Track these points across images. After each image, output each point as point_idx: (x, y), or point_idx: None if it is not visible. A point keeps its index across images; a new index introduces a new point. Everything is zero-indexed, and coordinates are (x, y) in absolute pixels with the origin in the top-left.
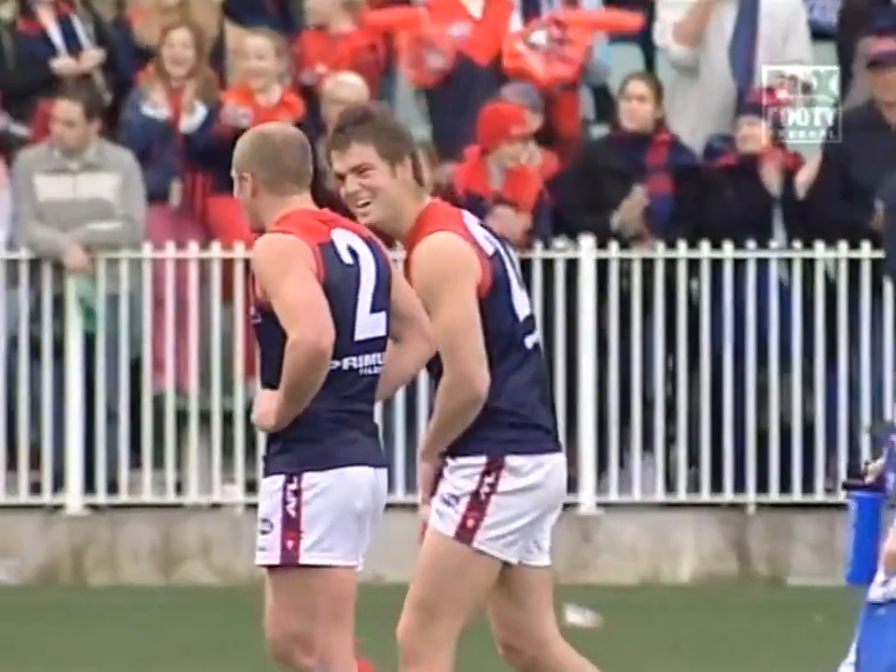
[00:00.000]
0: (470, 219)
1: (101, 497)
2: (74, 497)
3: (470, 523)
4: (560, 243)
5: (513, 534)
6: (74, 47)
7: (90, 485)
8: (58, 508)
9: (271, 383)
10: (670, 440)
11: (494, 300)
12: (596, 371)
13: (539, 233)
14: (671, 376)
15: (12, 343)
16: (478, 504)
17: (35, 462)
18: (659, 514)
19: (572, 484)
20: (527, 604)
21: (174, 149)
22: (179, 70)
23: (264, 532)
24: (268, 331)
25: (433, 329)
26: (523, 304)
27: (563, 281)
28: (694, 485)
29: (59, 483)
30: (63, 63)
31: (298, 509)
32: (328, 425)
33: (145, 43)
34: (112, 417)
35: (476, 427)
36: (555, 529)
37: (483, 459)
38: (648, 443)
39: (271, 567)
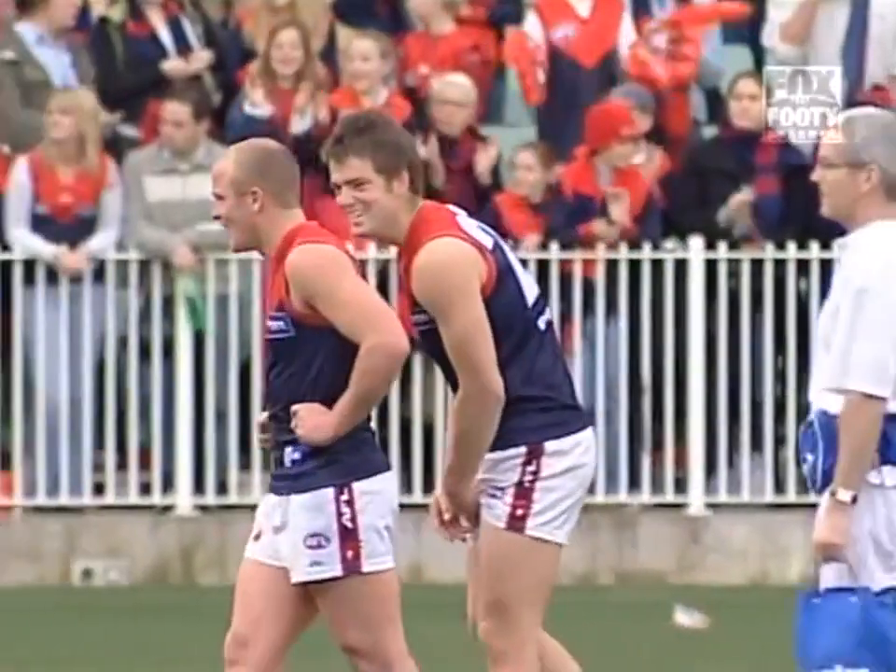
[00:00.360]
0: (463, 216)
1: (210, 498)
2: (183, 498)
3: (519, 512)
4: (669, 243)
5: (563, 515)
6: (183, 48)
7: (199, 486)
8: (167, 509)
9: (299, 398)
10: (779, 440)
11: (502, 291)
12: (705, 371)
13: (648, 234)
14: (780, 376)
15: (122, 344)
16: (524, 493)
17: (145, 463)
18: (768, 515)
19: (681, 485)
20: None
21: None
22: (287, 70)
23: (318, 546)
24: (302, 345)
25: (445, 337)
26: (530, 287)
27: (672, 282)
28: (804, 486)
29: (168, 483)
30: (172, 65)
31: (353, 519)
32: (361, 434)
33: (253, 44)
34: (221, 418)
35: (508, 419)
36: (664, 529)
37: (522, 450)
38: (757, 444)
39: (326, 581)
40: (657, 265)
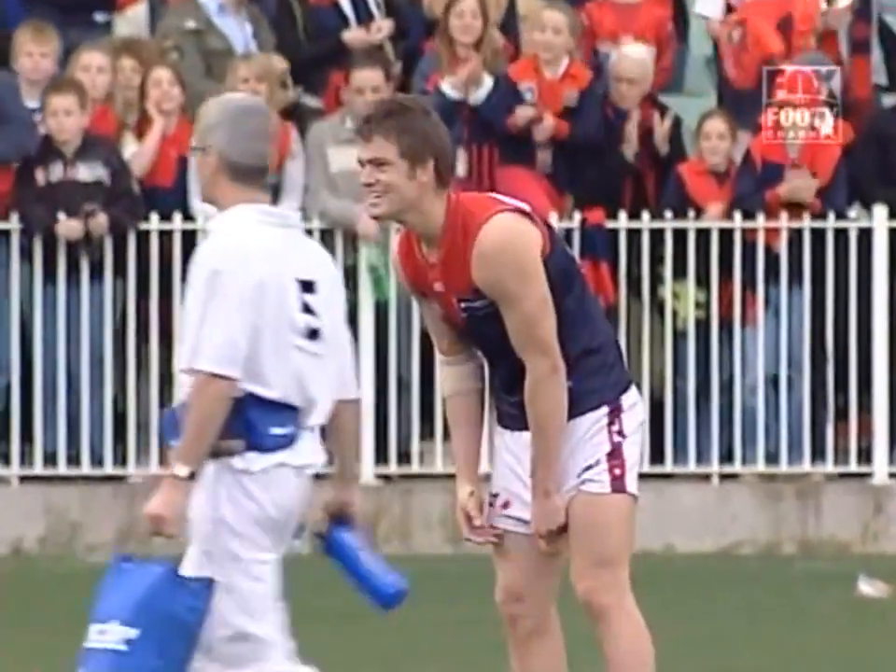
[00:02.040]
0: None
1: (392, 468)
2: (366, 468)
3: (617, 471)
4: (853, 212)
5: (637, 468)
6: (364, 17)
7: (381, 456)
8: None
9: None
10: None
11: (555, 250)
12: (889, 340)
13: (834, 204)
14: None
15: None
16: (616, 452)
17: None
18: None
19: (865, 455)
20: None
21: (461, 119)
22: (467, 38)
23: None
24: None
25: (512, 321)
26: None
27: (855, 251)
28: None
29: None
30: (353, 35)
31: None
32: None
33: (433, 14)
34: (404, 387)
35: (580, 381)
36: (848, 499)
37: (604, 410)
38: None
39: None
40: (841, 234)
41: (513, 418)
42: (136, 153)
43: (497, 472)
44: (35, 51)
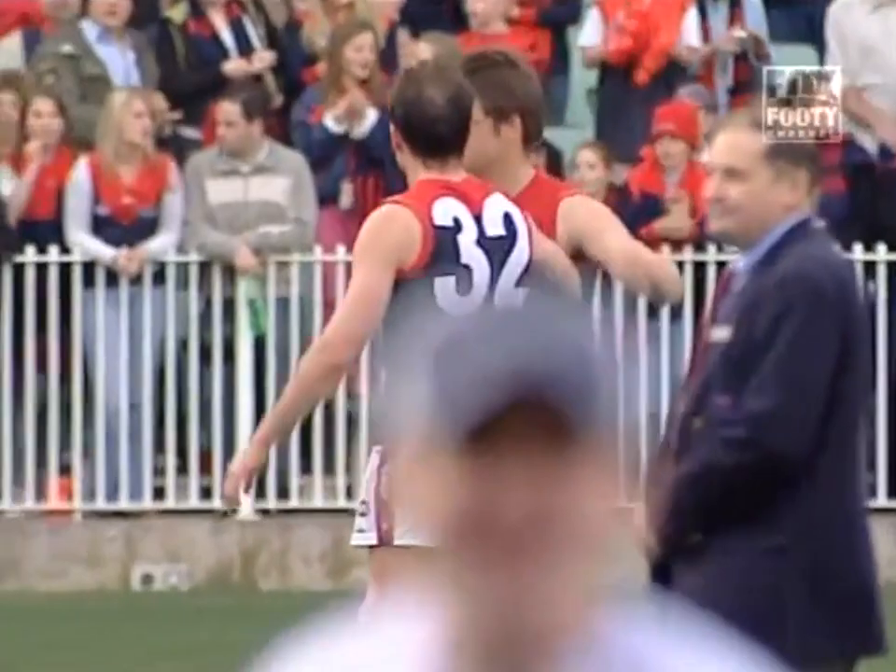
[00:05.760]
0: None
1: (271, 503)
2: (245, 503)
3: None
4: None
5: None
6: (245, 49)
7: (260, 491)
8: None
9: None
10: None
11: None
12: None
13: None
14: None
15: (182, 346)
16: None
17: (206, 467)
18: None
19: None
20: None
21: (345, 152)
22: (362, 73)
23: None
24: None
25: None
26: None
27: None
28: None
29: None
30: (233, 66)
31: None
32: None
33: (314, 46)
34: None
35: None
36: None
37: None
38: None
39: None
40: (722, 267)
41: None
42: (16, 186)
43: None
44: None
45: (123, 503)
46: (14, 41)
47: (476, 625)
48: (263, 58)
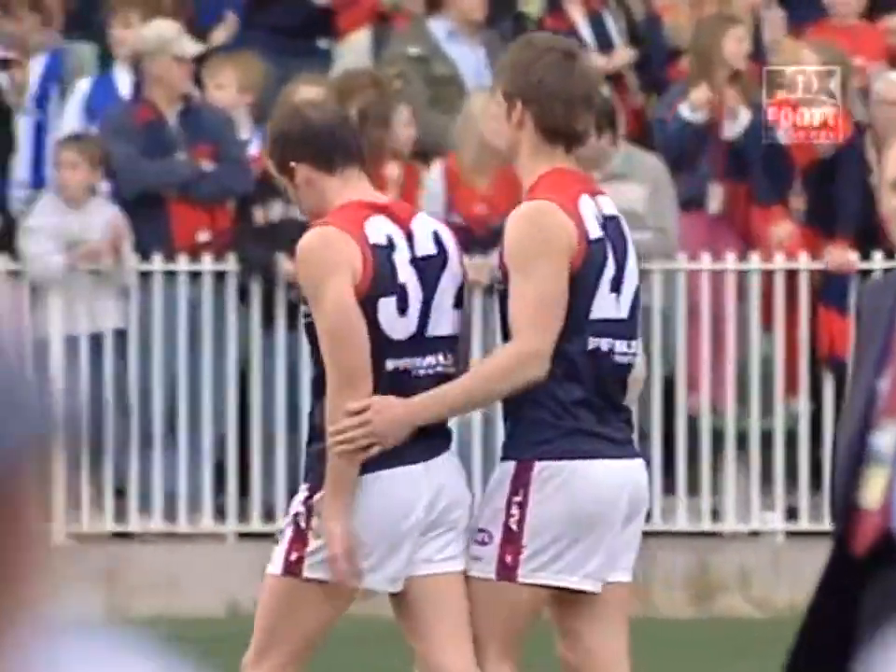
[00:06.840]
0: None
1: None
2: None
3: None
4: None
5: None
6: (605, 44)
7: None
8: None
9: None
10: None
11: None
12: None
13: None
14: None
15: None
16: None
17: None
18: None
19: None
20: None
21: (712, 154)
22: (725, 70)
23: None
24: None
25: None
26: None
27: None
28: None
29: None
30: (593, 63)
31: None
32: None
33: (676, 41)
34: (644, 438)
35: None
36: None
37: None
38: None
39: None
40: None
41: None
42: None
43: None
44: (225, 83)
45: None
46: (363, 36)
47: None
48: (623, 55)
